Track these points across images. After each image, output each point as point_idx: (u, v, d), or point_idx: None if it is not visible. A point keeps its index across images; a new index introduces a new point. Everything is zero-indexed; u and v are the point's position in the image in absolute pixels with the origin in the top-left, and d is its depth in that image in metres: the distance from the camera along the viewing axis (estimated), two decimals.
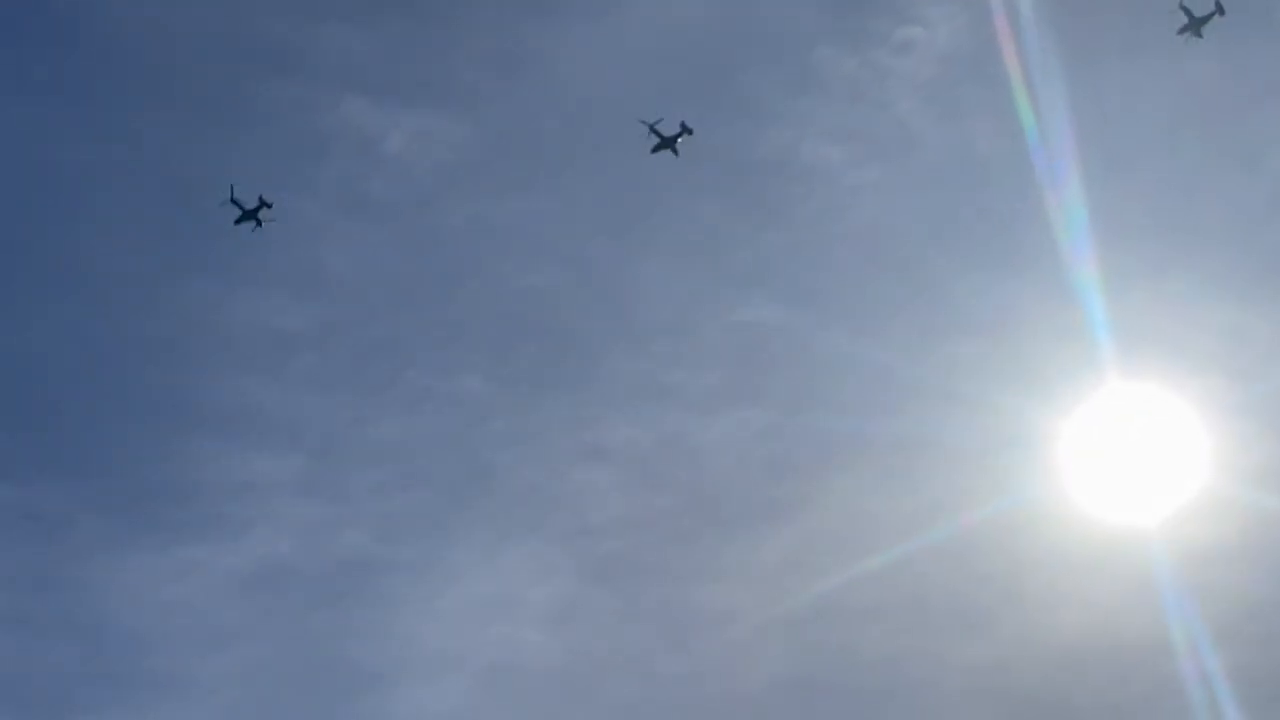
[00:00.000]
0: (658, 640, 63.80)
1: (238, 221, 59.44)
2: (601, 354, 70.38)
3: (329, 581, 66.63)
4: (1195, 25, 55.96)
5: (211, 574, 66.57)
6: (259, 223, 59.45)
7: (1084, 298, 62.21)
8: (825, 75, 70.21)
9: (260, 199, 59.12)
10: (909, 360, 65.48)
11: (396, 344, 70.28)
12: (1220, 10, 55.40)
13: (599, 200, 70.00)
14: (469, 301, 70.27)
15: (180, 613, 65.69)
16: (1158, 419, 61.42)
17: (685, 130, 59.38)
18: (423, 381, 69.89)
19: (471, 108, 71.50)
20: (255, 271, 70.23)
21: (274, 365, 69.76)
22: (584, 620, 65.35)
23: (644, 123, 58.98)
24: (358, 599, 66.26)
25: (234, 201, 58.91)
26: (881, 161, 70.27)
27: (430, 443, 69.21)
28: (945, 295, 67.27)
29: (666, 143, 59.43)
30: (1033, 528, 60.95)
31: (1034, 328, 64.72)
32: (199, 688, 63.98)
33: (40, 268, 71.50)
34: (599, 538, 66.94)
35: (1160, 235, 66.28)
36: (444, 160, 71.27)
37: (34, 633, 64.40)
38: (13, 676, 63.16)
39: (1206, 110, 67.42)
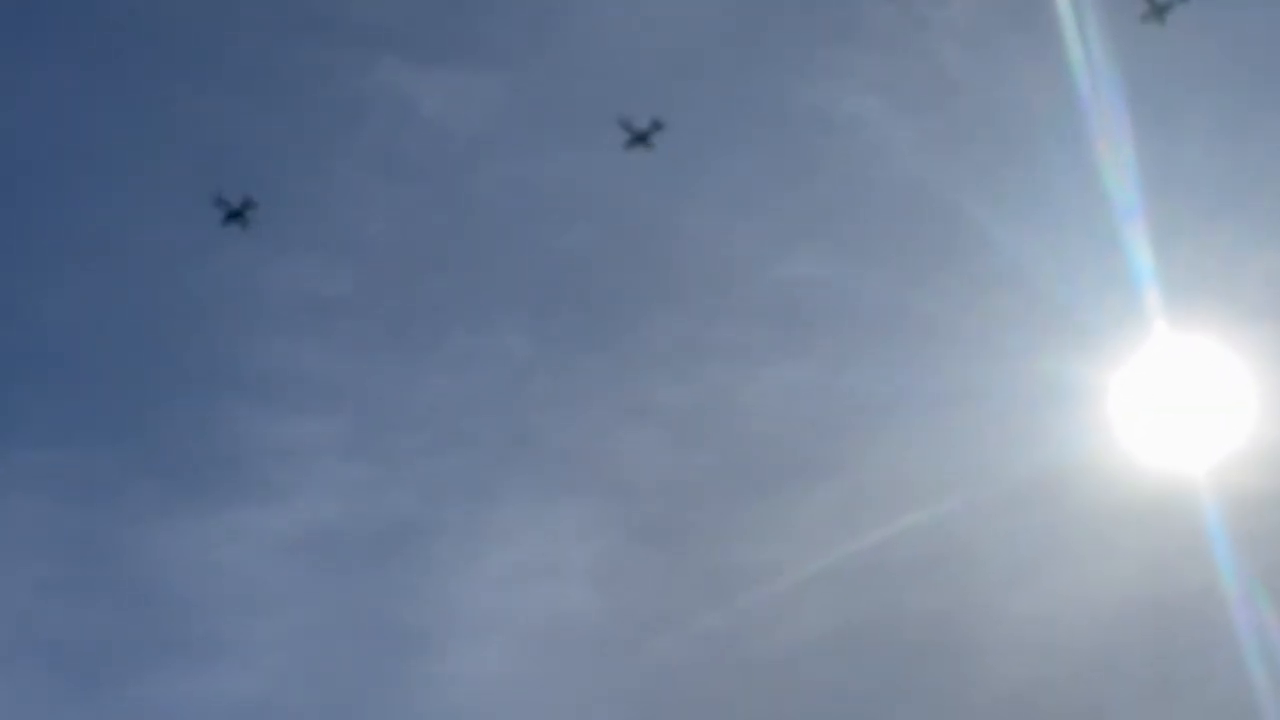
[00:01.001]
0: (702, 598, 63.75)
1: (225, 222, 59.45)
2: (643, 313, 70.20)
3: (375, 544, 67.07)
4: (1158, 12, 55.45)
5: (258, 537, 67.17)
6: (246, 222, 59.45)
7: (1131, 247, 61.37)
8: (864, 25, 69.41)
9: (245, 198, 59.08)
10: (952, 313, 64.85)
11: (437, 306, 70.31)
12: None
13: (638, 157, 69.22)
14: (509, 262, 70.11)
15: (228, 576, 66.31)
16: (1206, 368, 60.69)
17: (657, 125, 59.03)
18: (464, 343, 69.99)
19: (508, 67, 71.13)
20: (294, 236, 70.21)
21: (315, 329, 69.99)
22: (629, 579, 65.51)
23: (618, 121, 58.95)
24: (404, 561, 66.66)
25: (221, 201, 58.97)
26: (922, 112, 69.45)
27: (473, 404, 69.35)
28: (989, 247, 66.37)
29: (640, 138, 59.30)
30: (1080, 481, 60.46)
31: (1080, 279, 63.85)
32: (247, 650, 64.71)
33: (80, 236, 71.85)
34: (643, 497, 67.02)
35: (1210, 183, 65.24)
36: (481, 121, 71.03)
37: (82, 597, 65.22)
38: (62, 641, 64.12)
39: (1259, 57, 66.30)
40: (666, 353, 68.83)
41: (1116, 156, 61.19)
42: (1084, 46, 59.93)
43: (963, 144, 69.30)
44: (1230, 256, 63.38)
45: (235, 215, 59.02)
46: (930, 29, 68.55)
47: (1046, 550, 61.17)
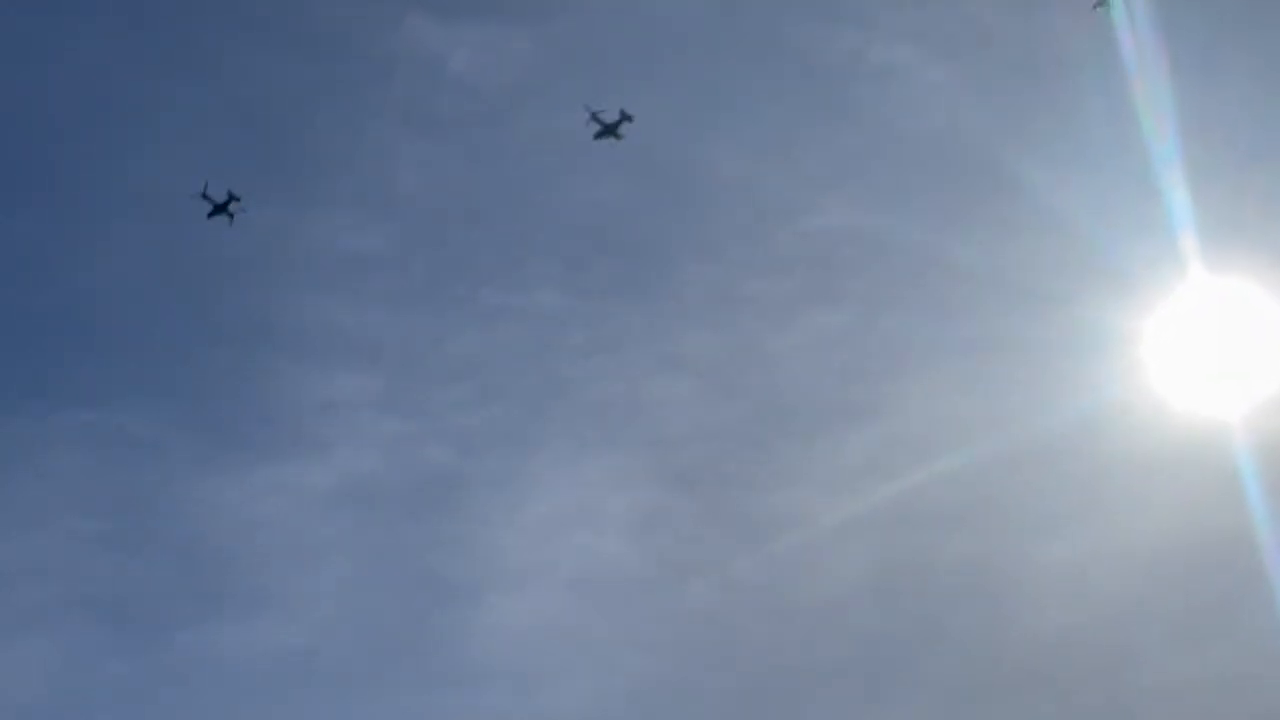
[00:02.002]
0: (737, 546, 64.21)
1: (210, 215, 59.99)
2: (675, 263, 70.30)
3: (413, 497, 67.81)
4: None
5: (299, 491, 68.01)
6: (231, 216, 59.98)
7: (1167, 191, 60.75)
8: None
9: (229, 193, 59.63)
10: (987, 260, 64.52)
11: (471, 260, 70.72)
12: None
13: (669, 109, 69.23)
14: (541, 216, 70.33)
15: (269, 530, 67.23)
16: (1242, 313, 60.16)
17: (625, 117, 59.35)
18: (498, 296, 70.35)
19: (536, 21, 71.07)
20: (328, 193, 70.80)
21: (351, 285, 70.55)
22: (664, 528, 66.03)
23: (586, 110, 58.98)
24: (442, 513, 67.39)
25: (205, 196, 59.52)
26: (955, 59, 68.90)
27: (508, 357, 69.80)
28: (1023, 192, 65.81)
29: (608, 130, 59.41)
30: (1114, 427, 60.27)
31: (1116, 224, 63.36)
32: (290, 602, 65.67)
33: (119, 196, 72.44)
34: (677, 446, 67.36)
35: (1248, 128, 64.44)
36: (510, 75, 71.04)
37: (129, 552, 66.29)
38: (109, 594, 65.22)
39: None
40: (699, 303, 69.08)
41: (1154, 101, 60.46)
42: None
43: (996, 90, 68.80)
44: (1268, 201, 62.64)
45: (220, 209, 59.84)
46: None
47: (1079, 496, 61.16)
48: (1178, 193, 60.40)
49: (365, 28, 70.52)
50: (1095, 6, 56.40)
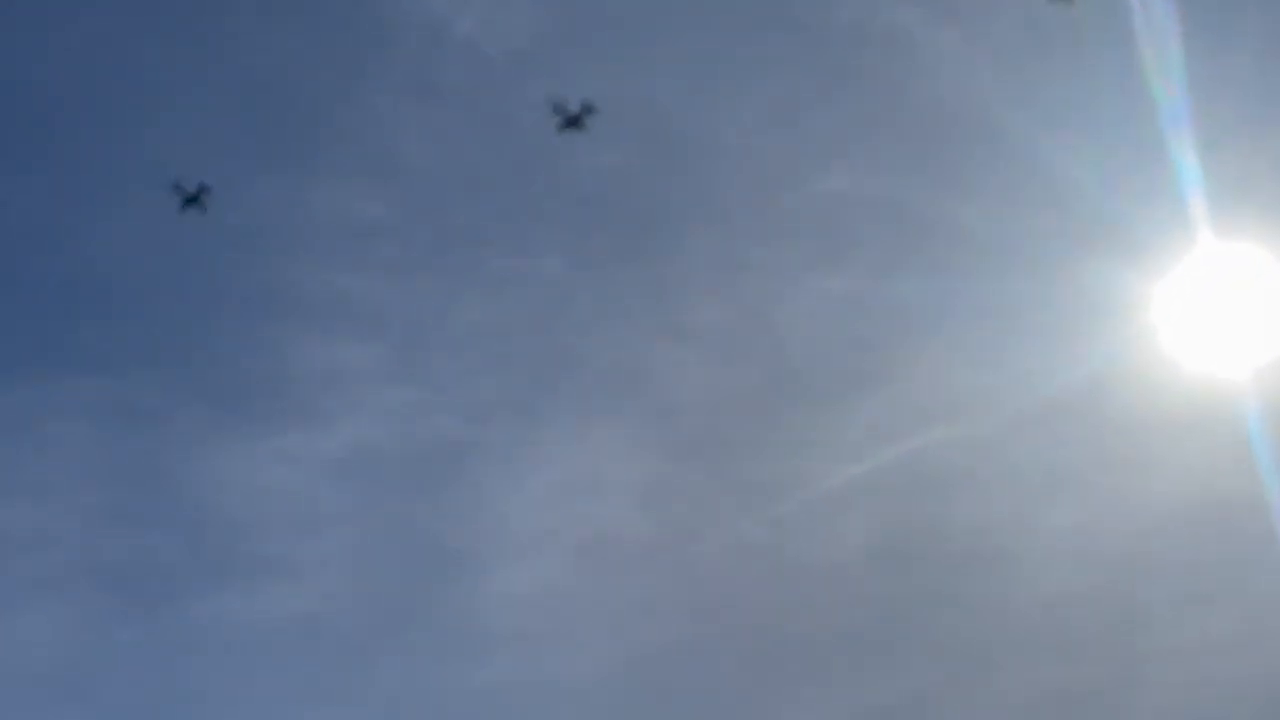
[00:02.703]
0: (744, 512, 64.19)
1: (183, 207, 59.93)
2: (681, 230, 69.97)
3: (420, 466, 67.86)
4: None
5: (306, 460, 68.09)
6: (204, 208, 59.94)
7: (1176, 155, 60.40)
8: None
9: (200, 184, 59.58)
10: (994, 225, 64.19)
11: (475, 228, 70.46)
12: None
13: (674, 74, 68.92)
14: (546, 182, 70.01)
15: (278, 499, 67.37)
16: (1250, 276, 59.90)
17: (588, 108, 59.24)
18: (503, 265, 70.14)
19: None
20: (331, 161, 70.53)
21: (356, 254, 70.34)
22: (671, 495, 66.02)
23: (549, 102, 59.24)
24: (448, 481, 67.46)
25: (178, 188, 59.44)
26: (961, 23, 68.31)
27: (514, 326, 69.63)
28: (1031, 156, 65.38)
29: (572, 121, 59.27)
30: (1122, 391, 60.21)
31: (1124, 187, 63.01)
32: (300, 571, 65.82)
33: (123, 163, 72.26)
34: (683, 413, 67.33)
35: (1259, 89, 63.87)
36: (515, 41, 70.60)
37: (135, 522, 66.48)
38: (117, 564, 65.45)
39: None
40: (705, 269, 68.82)
41: (1163, 64, 60.05)
42: None
43: (1003, 53, 68.18)
44: (1278, 164, 62.25)
45: (192, 200, 59.81)
46: None
47: (1087, 461, 61.10)
48: (1187, 156, 60.07)
49: None
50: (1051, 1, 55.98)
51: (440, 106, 70.79)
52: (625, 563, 64.17)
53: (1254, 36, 64.94)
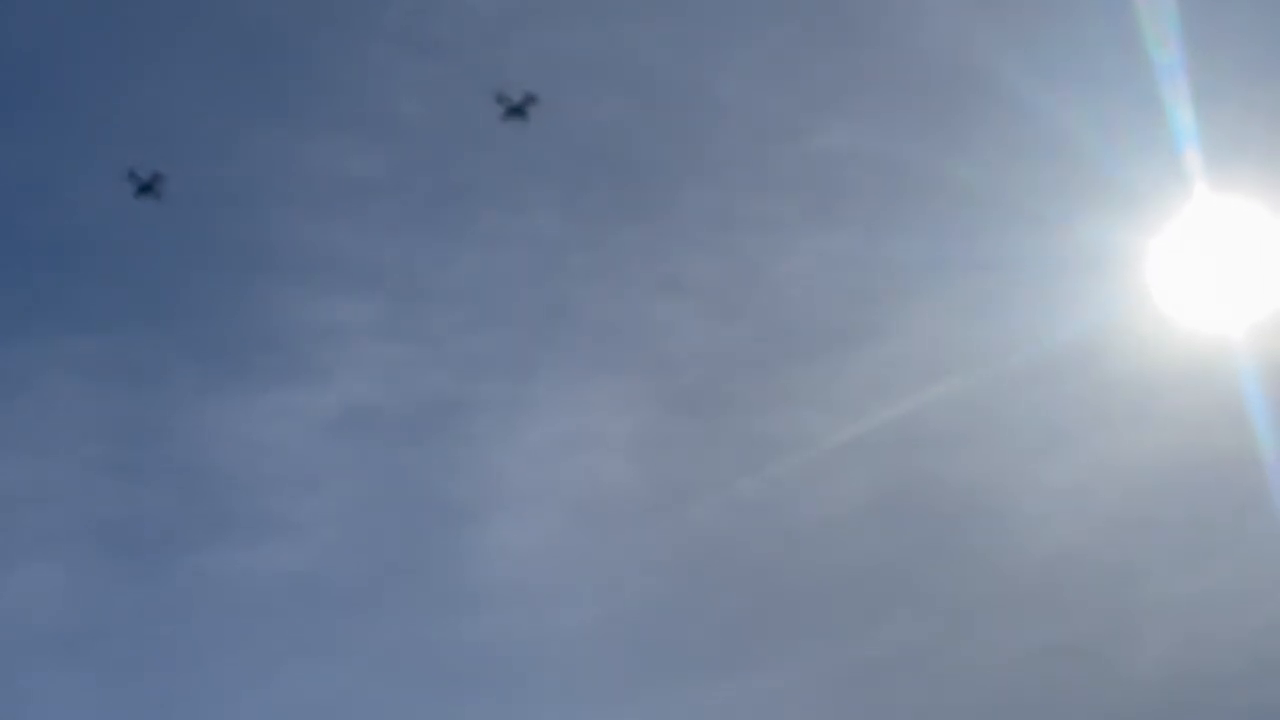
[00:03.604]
0: (739, 468, 64.31)
1: (138, 195, 59.74)
2: (676, 186, 69.78)
3: (415, 421, 67.86)
4: None
5: (301, 416, 68.07)
6: (159, 195, 59.72)
7: (1172, 109, 60.28)
8: None
9: (154, 173, 59.39)
10: (989, 180, 64.07)
11: (470, 183, 70.21)
12: None
13: (669, 29, 68.68)
14: (541, 137, 69.62)
15: (273, 455, 67.38)
16: (1246, 231, 59.91)
17: (532, 99, 59.76)
18: (498, 220, 69.95)
19: None
20: (326, 116, 70.19)
21: (349, 209, 70.12)
22: (666, 450, 66.11)
23: (494, 96, 59.68)
24: (444, 437, 67.49)
25: (133, 175, 59.27)
26: None
27: (508, 281, 69.54)
28: (1027, 112, 65.26)
29: (516, 110, 59.40)
30: (1117, 347, 60.33)
31: (1120, 142, 62.92)
32: (295, 526, 65.91)
33: (118, 121, 71.89)
34: (679, 369, 67.36)
35: (1255, 44, 63.82)
36: None
37: (131, 478, 66.47)
38: (115, 520, 65.50)
39: None
40: (700, 225, 68.72)
41: (1158, 16, 59.90)
42: None
43: (999, 7, 67.96)
44: (1274, 118, 62.20)
45: (146, 188, 59.68)
46: None
47: (1082, 416, 61.33)
48: (1183, 110, 59.95)
49: None
50: None
51: (435, 60, 70.55)
52: (620, 517, 64.44)
53: None
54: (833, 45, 69.05)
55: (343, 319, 69.10)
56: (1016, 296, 63.36)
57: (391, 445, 67.46)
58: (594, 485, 65.57)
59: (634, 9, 70.06)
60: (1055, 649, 57.46)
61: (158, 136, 71.30)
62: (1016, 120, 65.63)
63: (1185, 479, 57.47)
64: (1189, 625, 55.98)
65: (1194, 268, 60.24)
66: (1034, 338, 61.78)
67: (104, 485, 66.13)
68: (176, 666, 62.16)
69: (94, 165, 71.31)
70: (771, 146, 68.74)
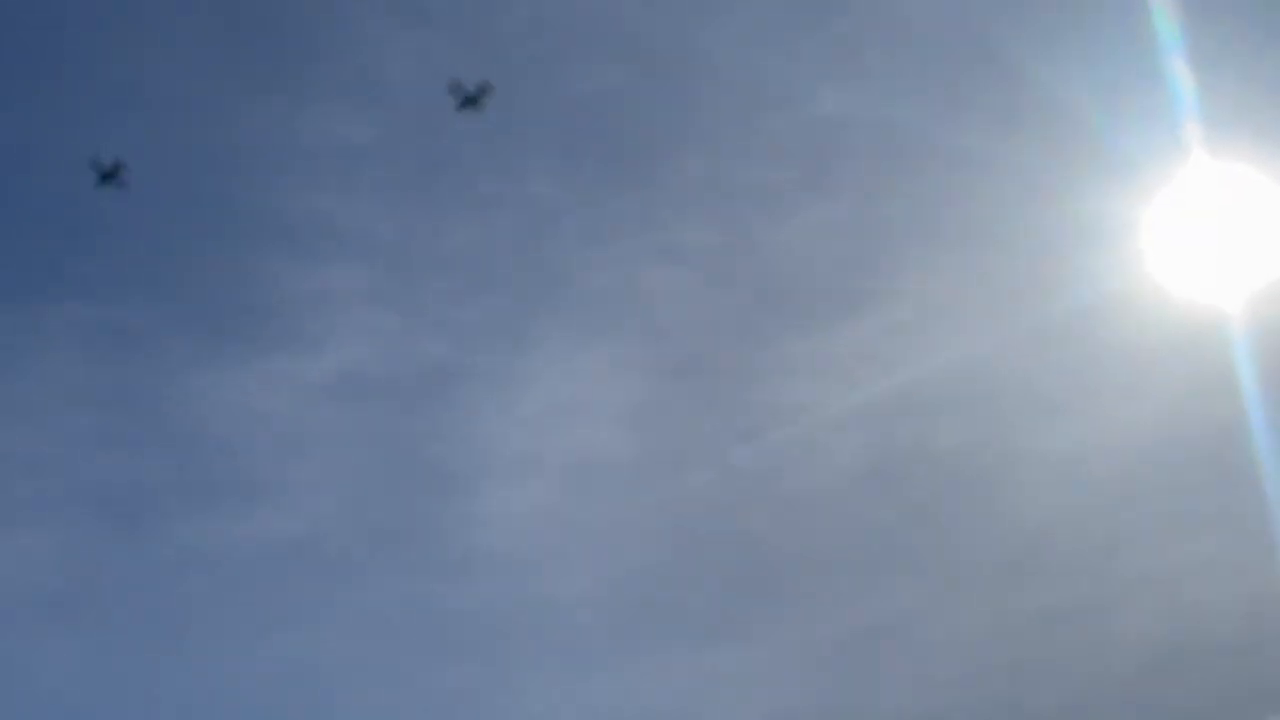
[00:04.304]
0: (733, 435, 64.36)
1: (99, 184, 59.58)
2: (670, 153, 69.52)
3: (409, 388, 67.94)
4: None
5: (294, 384, 68.16)
6: (121, 184, 59.56)
7: (1171, 77, 59.82)
8: None
9: (115, 161, 59.31)
10: (986, 148, 63.69)
11: (463, 151, 69.89)
12: None
13: None
14: (534, 105, 69.41)
15: (266, 422, 67.50)
16: (1243, 200, 59.45)
17: (485, 89, 59.37)
18: (491, 188, 69.77)
19: None
20: (318, 84, 69.99)
21: (343, 177, 69.97)
22: (660, 418, 66.07)
23: (448, 86, 59.37)
24: (437, 405, 67.52)
25: (95, 163, 59.18)
26: None
27: (502, 248, 69.45)
28: (1024, 78, 64.83)
29: (470, 101, 59.23)
30: (1113, 316, 60.04)
31: (1117, 110, 62.48)
32: (288, 494, 66.08)
33: (111, 92, 71.73)
34: (673, 336, 67.28)
35: (1254, 11, 63.24)
36: None
37: (125, 445, 66.63)
38: (108, 487, 65.67)
39: None
40: (695, 192, 68.46)
41: None
42: None
43: None
44: (1273, 87, 61.66)
45: (109, 177, 59.54)
46: None
47: (1076, 385, 61.13)
48: (1182, 78, 59.50)
49: None
50: None
51: (427, 27, 70.22)
52: (613, 484, 64.49)
53: None
54: (828, 11, 68.64)
55: (336, 287, 69.19)
56: (1012, 265, 63.19)
57: (385, 412, 67.66)
58: (587, 452, 65.71)
59: None
60: (1047, 615, 57.57)
61: (149, 106, 71.44)
62: (1013, 87, 65.23)
63: (1177, 448, 57.37)
64: (1179, 592, 55.96)
65: (1190, 237, 59.86)
66: (1029, 306, 61.66)
67: (97, 452, 66.36)
68: (168, 631, 62.43)
69: (87, 134, 71.26)
70: (767, 114, 68.52)
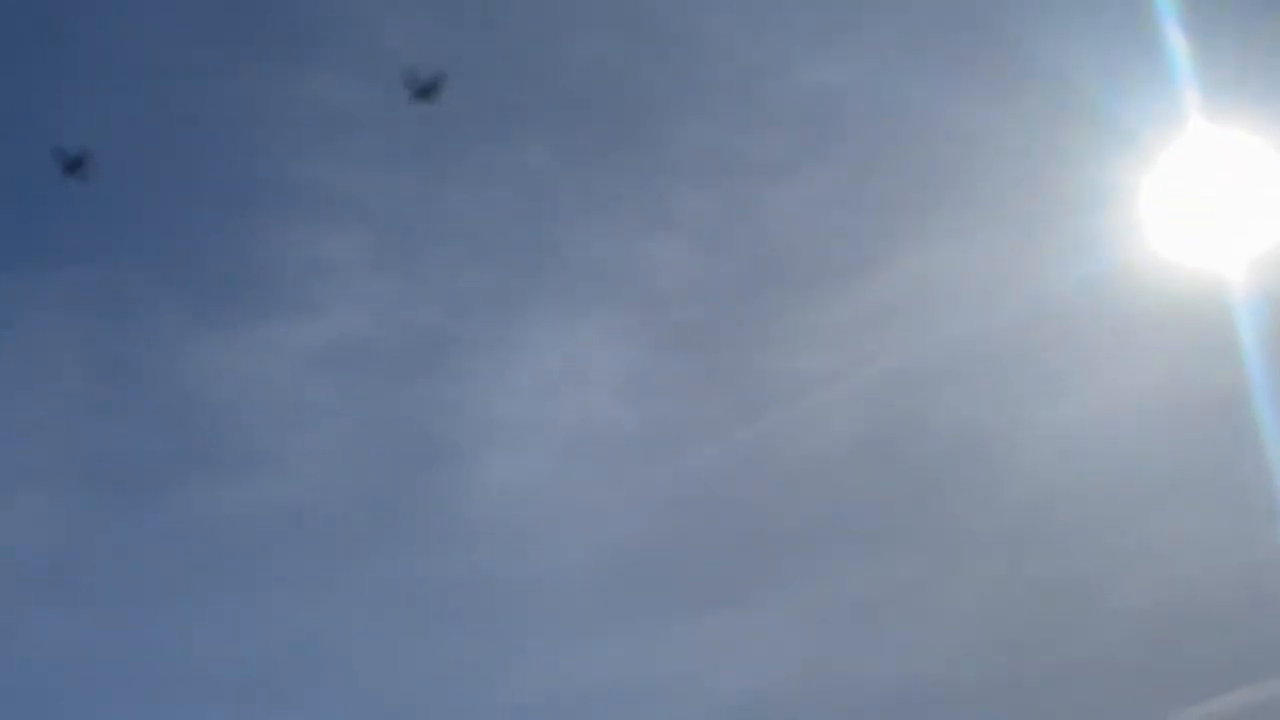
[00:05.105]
0: (730, 405, 64.28)
1: (65, 174, 59.26)
2: (666, 121, 69.13)
3: (405, 357, 67.67)
4: None
5: (290, 351, 67.88)
6: (87, 175, 59.29)
7: (1168, 43, 59.58)
8: None
9: (81, 149, 59.02)
10: (983, 116, 63.40)
11: (460, 118, 69.29)
12: None
13: None
14: (530, 72, 69.01)
15: (262, 390, 67.22)
16: (1243, 167, 59.28)
17: (440, 79, 59.25)
18: (488, 155, 69.35)
19: None
20: (314, 51, 69.38)
21: (339, 144, 69.47)
22: (657, 388, 65.95)
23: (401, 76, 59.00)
24: (434, 373, 67.36)
25: (59, 151, 58.93)
26: None
27: (497, 217, 69.10)
28: (1020, 46, 64.54)
29: (423, 92, 58.83)
30: (1112, 285, 59.89)
31: (1115, 76, 62.12)
32: (283, 461, 65.85)
33: (105, 53, 71.06)
34: (670, 306, 67.07)
35: None
36: None
37: (119, 412, 66.35)
38: (100, 455, 65.41)
39: None
40: (691, 161, 68.12)
41: None
42: None
43: None
44: (1272, 52, 61.40)
45: (75, 166, 59.18)
46: None
47: (1076, 358, 61.12)
48: (1179, 44, 59.27)
49: None
50: None
51: None
52: (611, 453, 64.43)
53: None
54: None
55: (330, 253, 68.84)
56: (1011, 234, 63.02)
57: (380, 381, 67.41)
58: (584, 421, 65.64)
59: None
60: (1047, 585, 57.67)
61: (142, 70, 70.81)
62: (1009, 53, 64.88)
63: (1179, 417, 57.40)
64: (1175, 563, 56.10)
65: (1190, 204, 59.67)
66: (1029, 275, 61.55)
67: (90, 419, 66.07)
68: (163, 601, 62.31)
69: (82, 100, 70.76)
70: (763, 82, 68.13)
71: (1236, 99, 59.78)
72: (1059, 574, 57.69)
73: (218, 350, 67.23)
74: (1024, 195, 62.52)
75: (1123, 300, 59.50)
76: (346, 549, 63.46)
